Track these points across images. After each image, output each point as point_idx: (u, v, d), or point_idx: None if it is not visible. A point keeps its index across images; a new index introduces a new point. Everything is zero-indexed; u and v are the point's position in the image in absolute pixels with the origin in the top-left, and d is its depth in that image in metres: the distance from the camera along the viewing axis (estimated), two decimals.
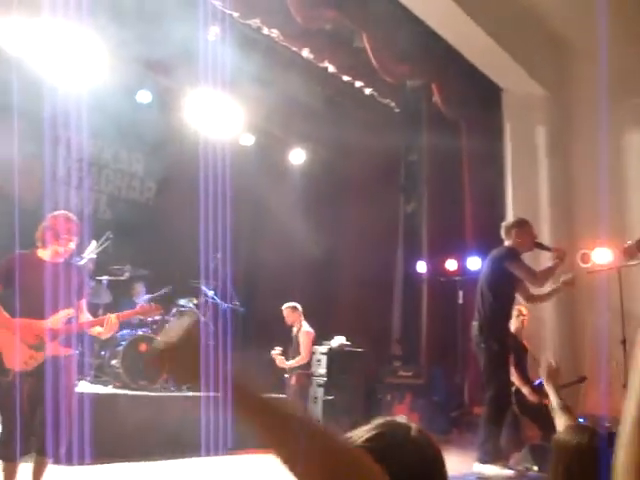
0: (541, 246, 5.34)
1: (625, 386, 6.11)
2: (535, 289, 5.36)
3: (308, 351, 6.87)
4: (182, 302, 7.52)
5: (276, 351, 6.99)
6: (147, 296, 7.73)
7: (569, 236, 8.05)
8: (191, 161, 7.70)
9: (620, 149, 8.19)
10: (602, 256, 7.39)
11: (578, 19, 8.04)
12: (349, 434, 1.10)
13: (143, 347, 6.68)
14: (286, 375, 6.97)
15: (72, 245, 3.86)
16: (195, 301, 7.55)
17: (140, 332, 6.93)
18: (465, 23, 7.05)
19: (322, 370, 7.67)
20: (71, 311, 3.78)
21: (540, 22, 8.39)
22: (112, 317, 3.90)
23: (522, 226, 5.29)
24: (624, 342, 6.66)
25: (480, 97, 8.64)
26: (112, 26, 6.63)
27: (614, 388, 6.74)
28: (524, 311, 6.28)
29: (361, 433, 1.08)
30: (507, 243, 5.28)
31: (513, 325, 5.81)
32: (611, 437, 1.62)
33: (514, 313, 5.79)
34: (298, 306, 7.10)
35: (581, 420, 6.87)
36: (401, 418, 1.15)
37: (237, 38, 7.30)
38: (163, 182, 8.84)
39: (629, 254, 6.88)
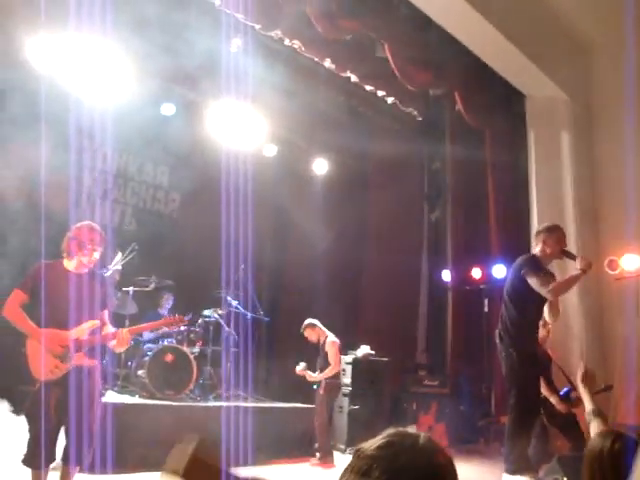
0: (568, 254, 5.17)
1: None
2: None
3: (337, 360, 6.83)
4: (207, 312, 7.58)
5: (300, 367, 6.95)
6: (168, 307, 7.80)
7: (596, 242, 7.94)
8: (215, 173, 7.79)
9: None
10: (630, 262, 7.29)
11: (599, 23, 7.99)
12: (360, 446, 1.13)
13: (169, 357, 6.74)
14: (315, 386, 6.95)
15: (96, 255, 3.88)
16: (220, 311, 7.59)
17: (166, 342, 6.99)
18: (486, 30, 7.02)
19: (347, 380, 7.65)
20: (96, 322, 3.80)
21: (561, 27, 8.33)
22: (124, 331, 3.90)
23: (551, 232, 5.14)
24: None
25: (503, 104, 8.59)
26: (136, 39, 6.74)
27: None
28: (548, 321, 6.19)
29: (372, 442, 1.11)
30: (536, 250, 5.19)
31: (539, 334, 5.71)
32: (635, 442, 1.60)
33: (540, 322, 5.68)
34: (315, 322, 7.05)
35: None
36: (411, 428, 1.17)
37: (259, 50, 7.38)
38: (187, 194, 8.92)
39: None
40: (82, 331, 3.72)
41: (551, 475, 5.10)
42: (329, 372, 6.76)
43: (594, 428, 2.45)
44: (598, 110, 8.63)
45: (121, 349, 4.11)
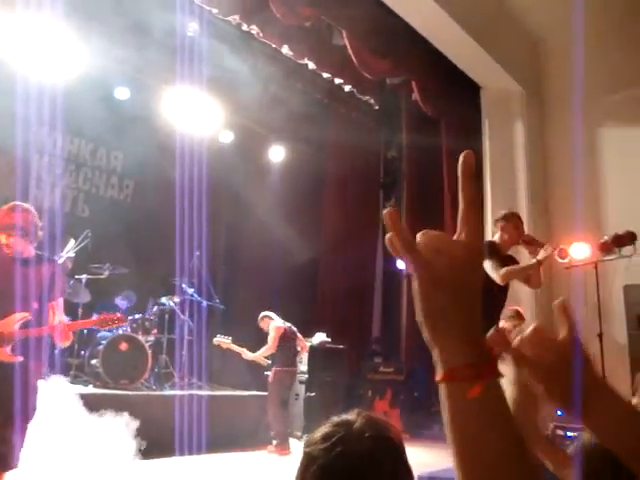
0: (535, 242, 5.10)
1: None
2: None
3: (274, 342, 6.82)
4: (162, 300, 7.49)
5: (218, 338, 6.92)
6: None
7: (547, 231, 8.13)
8: (170, 158, 7.67)
9: (596, 145, 8.29)
10: (579, 251, 7.46)
11: (551, 17, 8.14)
12: (309, 437, 1.17)
13: (123, 346, 6.65)
14: (266, 373, 6.95)
15: (13, 239, 3.51)
16: (175, 299, 7.52)
17: (120, 331, 6.88)
18: (443, 20, 7.07)
19: (303, 367, 7.68)
20: (25, 314, 3.44)
21: (516, 20, 8.47)
22: (62, 325, 3.56)
23: (508, 220, 5.17)
24: (600, 335, 6.76)
25: (459, 94, 8.68)
26: (89, 22, 6.56)
27: None
28: (522, 312, 6.28)
29: (315, 434, 1.16)
30: (495, 237, 5.25)
31: (505, 324, 5.75)
32: None
33: (508, 313, 5.72)
34: (269, 314, 7.05)
35: (559, 412, 6.98)
36: (352, 414, 1.19)
37: (216, 35, 7.26)
38: (142, 180, 8.76)
39: (605, 249, 6.96)
40: (7, 324, 3.39)
41: None
42: (264, 352, 6.77)
43: None
44: (550, 102, 8.82)
45: (63, 344, 3.72)
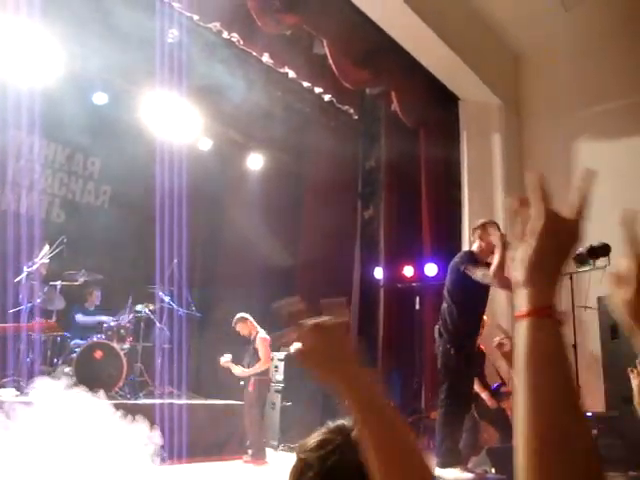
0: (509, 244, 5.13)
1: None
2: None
3: (267, 356, 6.81)
4: (138, 308, 7.41)
5: (225, 358, 6.87)
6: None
7: None
8: (148, 165, 7.62)
9: (572, 158, 8.40)
10: None
11: (532, 33, 8.27)
12: (302, 442, 1.16)
13: (98, 354, 6.56)
14: (242, 382, 6.90)
15: None
16: (151, 307, 7.44)
17: (95, 338, 6.79)
18: (424, 33, 7.13)
19: (279, 376, 7.64)
20: None
21: (497, 35, 8.58)
22: None
23: (485, 228, 5.24)
24: (575, 346, 6.83)
25: (438, 106, 8.75)
26: (68, 26, 6.50)
27: None
28: (484, 317, 6.34)
29: (309, 440, 1.15)
30: (473, 246, 5.30)
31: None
32: None
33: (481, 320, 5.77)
34: (246, 315, 7.00)
35: None
36: (348, 420, 1.17)
37: (197, 41, 7.24)
38: (119, 186, 8.68)
39: (580, 261, 7.04)
40: None
41: (480, 466, 5.26)
42: (259, 367, 6.74)
43: None
44: (527, 115, 8.94)
45: None
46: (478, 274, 4.95)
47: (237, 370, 6.79)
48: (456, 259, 5.25)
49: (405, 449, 0.99)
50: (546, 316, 0.84)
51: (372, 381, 1.06)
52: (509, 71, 9.09)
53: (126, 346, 7.09)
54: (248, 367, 6.80)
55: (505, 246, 4.92)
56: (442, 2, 7.40)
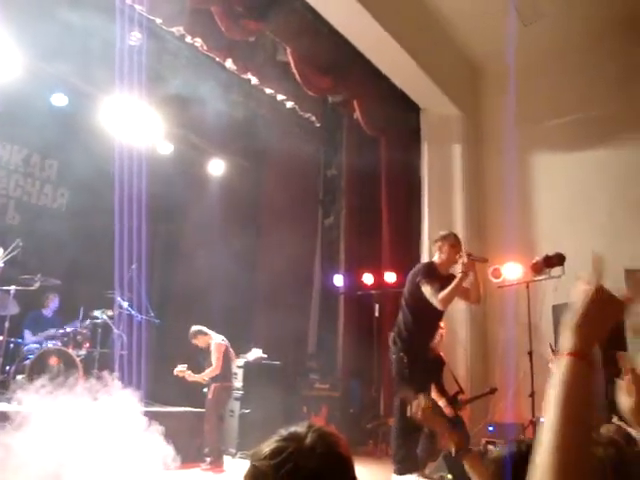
0: (475, 258, 5.13)
1: (531, 395, 6.34)
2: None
3: (219, 362, 6.75)
4: (96, 313, 7.28)
5: (179, 368, 6.79)
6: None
7: (482, 251, 8.34)
8: (107, 168, 7.49)
9: (529, 169, 8.60)
10: (512, 271, 7.69)
11: (493, 46, 8.44)
12: (256, 449, 1.14)
13: (53, 360, 6.42)
14: (205, 389, 6.84)
15: None
16: (109, 312, 7.32)
17: (50, 345, 6.64)
18: (387, 42, 7.22)
19: (238, 383, 7.59)
20: None
21: (458, 46, 8.75)
22: None
23: (445, 239, 5.27)
24: (530, 353, 6.97)
25: (400, 115, 8.86)
26: (27, 25, 6.38)
27: (521, 397, 7.04)
28: (442, 325, 6.42)
29: (263, 448, 1.13)
30: (434, 257, 5.34)
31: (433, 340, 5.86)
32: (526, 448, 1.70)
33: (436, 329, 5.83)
34: (201, 328, 6.95)
35: (491, 428, 7.13)
36: (302, 426, 1.16)
37: (159, 45, 7.18)
38: (77, 189, 8.52)
39: (537, 270, 7.20)
40: None
41: (437, 472, 5.31)
42: (210, 373, 6.69)
43: None
44: (487, 127, 9.12)
45: None
46: (428, 291, 4.99)
47: (192, 377, 6.73)
48: (415, 269, 5.29)
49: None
50: (585, 360, 1.05)
51: None
52: (469, 83, 9.27)
53: (82, 352, 6.95)
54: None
55: (467, 270, 4.96)
56: (405, 13, 7.50)
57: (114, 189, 7.40)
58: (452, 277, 5.10)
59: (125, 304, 7.55)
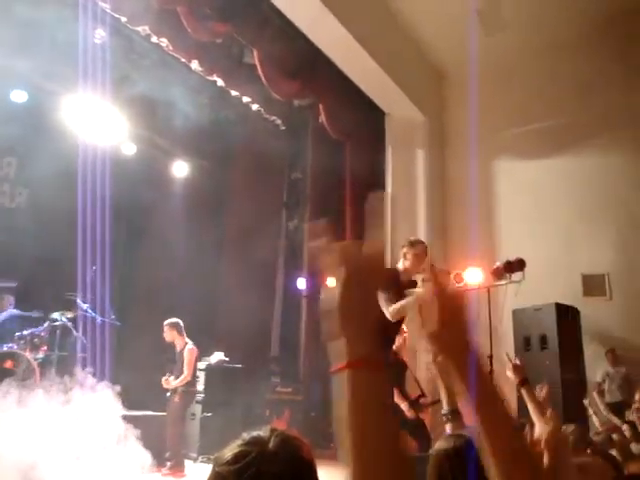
0: (438, 271, 5.19)
1: None
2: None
3: (190, 369, 6.70)
4: (55, 315, 7.13)
5: (166, 377, 6.75)
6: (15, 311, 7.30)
7: (444, 256, 8.45)
8: (69, 168, 7.36)
9: (491, 176, 8.74)
10: (473, 276, 7.79)
11: (457, 54, 8.56)
12: (218, 454, 1.12)
13: (8, 364, 6.26)
14: (168, 394, 6.76)
15: None
16: (69, 314, 7.18)
17: (5, 348, 6.49)
18: (352, 47, 7.26)
19: (200, 387, 7.52)
20: None
21: (423, 53, 8.85)
22: None
23: (411, 246, 5.23)
24: (491, 357, 7.06)
25: (365, 119, 8.91)
26: None
27: None
28: (405, 328, 6.46)
29: (225, 453, 1.11)
30: (398, 264, 5.32)
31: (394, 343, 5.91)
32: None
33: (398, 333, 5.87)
34: (178, 322, 6.89)
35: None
36: (264, 431, 1.16)
37: (124, 44, 7.09)
38: (37, 188, 8.32)
39: (497, 275, 7.32)
40: None
41: None
42: (183, 380, 6.64)
43: (449, 429, 2.58)
44: (451, 133, 9.25)
45: None
46: (381, 299, 4.96)
47: (173, 383, 6.67)
48: None
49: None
50: (361, 368, 0.88)
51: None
52: (434, 89, 9.38)
53: (40, 355, 6.80)
54: (176, 379, 6.69)
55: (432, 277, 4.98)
56: (371, 18, 7.56)
57: (76, 189, 7.28)
58: (413, 284, 5.10)
59: (85, 306, 7.42)
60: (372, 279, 0.95)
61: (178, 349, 6.80)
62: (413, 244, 5.17)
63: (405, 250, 5.16)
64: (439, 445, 1.93)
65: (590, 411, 6.75)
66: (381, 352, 0.90)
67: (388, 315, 4.86)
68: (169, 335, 6.81)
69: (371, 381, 0.87)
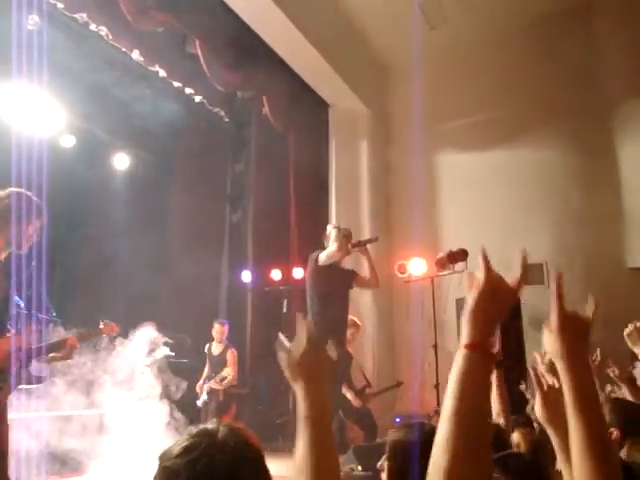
0: (360, 243, 5.51)
1: (436, 386, 6.54)
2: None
3: (236, 370, 7.02)
4: None
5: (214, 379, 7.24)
6: None
7: (388, 247, 8.54)
8: (2, 159, 7.09)
9: (434, 167, 8.88)
10: (417, 266, 7.91)
11: (400, 45, 8.64)
12: (165, 450, 1.13)
13: None
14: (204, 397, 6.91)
15: None
16: None
17: None
18: (296, 38, 7.24)
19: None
20: None
21: (366, 44, 8.89)
22: None
23: (338, 232, 5.46)
24: (435, 346, 7.19)
25: (308, 111, 8.91)
26: None
27: (426, 388, 7.26)
28: (358, 322, 6.56)
29: (173, 448, 1.12)
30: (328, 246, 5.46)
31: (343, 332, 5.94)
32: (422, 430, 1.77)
33: (349, 322, 5.95)
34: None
35: (398, 420, 7.31)
36: (212, 423, 1.16)
37: (61, 31, 6.86)
38: None
39: (441, 265, 7.44)
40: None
41: (347, 465, 5.39)
42: (230, 381, 7.10)
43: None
44: (394, 124, 9.34)
45: None
46: (321, 256, 5.23)
47: (223, 383, 6.96)
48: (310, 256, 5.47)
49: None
50: (477, 351, 1.08)
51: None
52: (377, 82, 9.45)
53: None
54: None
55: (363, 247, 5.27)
56: (314, 9, 7.54)
57: (11, 182, 7.02)
58: (337, 267, 5.37)
59: (21, 303, 7.17)
60: (507, 300, 1.17)
61: (217, 351, 6.85)
62: (339, 230, 5.40)
63: (334, 234, 5.34)
64: (393, 436, 1.95)
65: (527, 395, 6.95)
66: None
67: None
68: (223, 333, 7.02)
69: (484, 364, 1.08)
